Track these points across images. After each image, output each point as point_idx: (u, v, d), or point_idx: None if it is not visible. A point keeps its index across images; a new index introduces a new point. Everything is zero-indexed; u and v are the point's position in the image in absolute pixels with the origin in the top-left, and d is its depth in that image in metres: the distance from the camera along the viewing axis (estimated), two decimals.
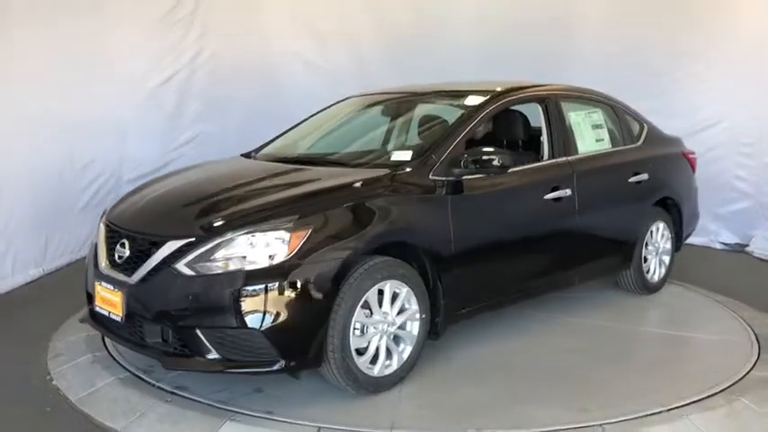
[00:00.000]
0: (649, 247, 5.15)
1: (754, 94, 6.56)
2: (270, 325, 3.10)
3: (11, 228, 5.41)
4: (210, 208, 3.50)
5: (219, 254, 3.16)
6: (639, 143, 5.15)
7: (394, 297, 3.47)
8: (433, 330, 3.71)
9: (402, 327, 3.53)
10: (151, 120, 6.88)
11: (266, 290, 3.09)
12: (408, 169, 3.72)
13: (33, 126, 5.58)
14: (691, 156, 5.59)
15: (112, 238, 3.59)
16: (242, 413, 3.23)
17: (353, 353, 3.31)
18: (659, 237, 5.21)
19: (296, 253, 3.15)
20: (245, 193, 3.65)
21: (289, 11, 7.32)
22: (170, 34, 6.95)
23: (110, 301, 3.45)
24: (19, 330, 4.46)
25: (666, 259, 5.32)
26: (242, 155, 4.56)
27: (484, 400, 3.45)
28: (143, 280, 3.29)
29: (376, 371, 3.43)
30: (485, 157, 3.68)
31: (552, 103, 4.51)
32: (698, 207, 5.75)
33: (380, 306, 3.42)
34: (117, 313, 3.40)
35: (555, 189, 4.27)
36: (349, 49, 7.42)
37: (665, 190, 5.21)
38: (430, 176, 3.69)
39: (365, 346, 3.39)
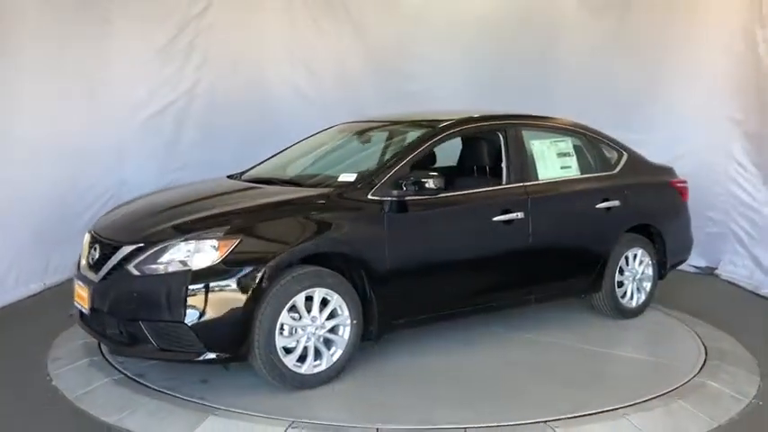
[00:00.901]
0: (626, 273, 5.24)
1: (720, 126, 6.95)
2: (196, 320, 3.55)
3: (15, 245, 5.76)
4: (166, 218, 3.95)
5: (164, 257, 3.64)
6: (615, 171, 5.29)
7: (325, 303, 3.83)
8: (367, 337, 4.07)
9: (334, 331, 3.89)
10: (150, 145, 7.22)
11: (195, 290, 3.56)
12: (349, 189, 4.11)
13: (38, 150, 5.95)
14: (679, 185, 5.67)
15: (91, 243, 4.09)
16: (223, 409, 3.55)
17: (280, 351, 3.69)
18: (637, 263, 5.29)
19: (224, 259, 3.59)
20: (200, 207, 4.10)
21: (283, 43, 7.66)
22: (169, 64, 7.30)
23: (81, 296, 3.97)
24: (21, 338, 4.79)
25: (647, 285, 5.39)
26: (228, 176, 4.94)
27: (404, 401, 3.76)
28: (104, 278, 3.81)
29: (303, 369, 3.79)
30: (421, 180, 4.06)
31: (512, 132, 4.78)
32: (690, 235, 5.81)
33: (310, 311, 3.79)
34: (85, 307, 3.91)
35: (506, 212, 4.52)
36: (340, 79, 7.77)
37: (641, 217, 5.31)
38: (369, 196, 4.06)
39: (293, 345, 3.76)
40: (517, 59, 7.54)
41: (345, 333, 3.92)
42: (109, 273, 3.79)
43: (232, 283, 3.58)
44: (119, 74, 6.91)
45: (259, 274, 3.61)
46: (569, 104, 6.91)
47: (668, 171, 5.74)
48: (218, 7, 7.39)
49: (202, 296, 3.56)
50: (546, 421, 3.49)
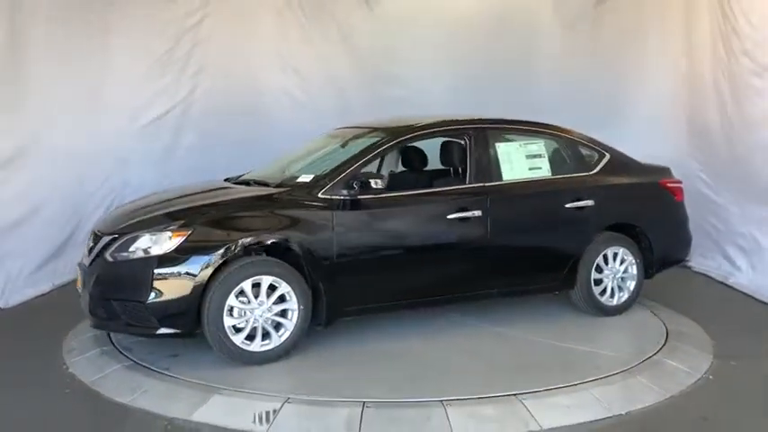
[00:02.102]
0: (605, 271, 5.32)
1: (685, 129, 7.41)
2: (152, 300, 4.14)
3: (26, 247, 6.14)
4: (142, 214, 4.58)
5: (132, 246, 4.24)
6: (593, 171, 5.41)
7: (274, 289, 4.31)
8: (318, 322, 4.52)
9: (284, 315, 4.36)
10: (151, 149, 7.56)
11: (153, 274, 4.15)
12: (304, 188, 4.60)
13: (46, 156, 6.32)
14: (671, 185, 5.68)
15: (91, 236, 4.70)
16: (227, 389, 3.95)
17: (228, 329, 4.21)
18: (617, 262, 5.35)
19: (176, 248, 4.16)
20: (173, 204, 4.67)
21: (275, 52, 7.99)
22: (168, 72, 7.62)
23: (79, 280, 4.62)
24: (36, 333, 5.16)
25: (631, 284, 5.42)
26: (225, 179, 5.33)
27: (343, 378, 4.15)
28: (90, 264, 4.44)
29: (252, 347, 4.29)
30: (367, 181, 4.52)
31: (476, 136, 5.07)
32: (686, 235, 5.80)
33: (258, 296, 4.27)
34: (79, 288, 4.55)
35: (462, 210, 4.83)
36: (330, 86, 8.06)
37: (620, 216, 5.39)
38: (320, 195, 4.52)
39: (243, 326, 4.26)
40: (499, 65, 7.87)
41: (293, 317, 4.38)
42: (94, 259, 4.41)
43: (183, 269, 4.16)
44: (120, 83, 7.25)
45: (207, 262, 4.16)
46: (545, 107, 7.30)
47: (661, 171, 5.78)
48: (213, 19, 7.69)
49: (158, 280, 4.15)
50: (515, 394, 3.88)
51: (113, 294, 4.30)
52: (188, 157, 7.74)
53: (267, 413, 3.70)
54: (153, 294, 4.14)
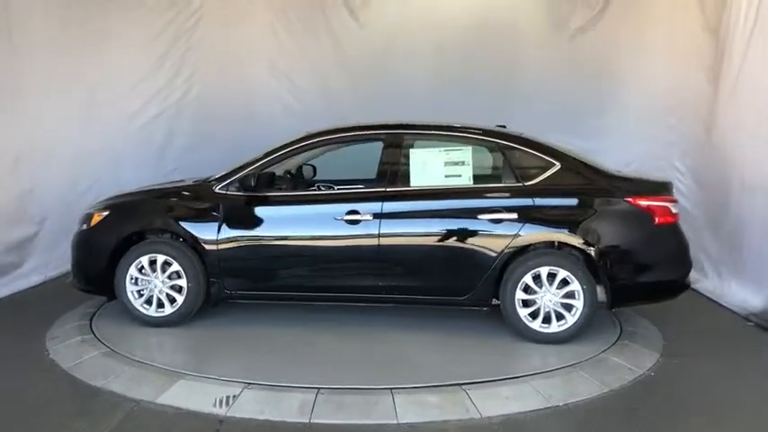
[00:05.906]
0: (538, 293, 4.80)
1: (664, 136, 7.60)
2: (79, 264, 5.36)
3: (21, 241, 6.51)
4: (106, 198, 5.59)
5: (85, 222, 5.31)
6: (529, 183, 4.90)
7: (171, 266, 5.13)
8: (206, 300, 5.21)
9: (179, 291, 5.12)
10: (144, 151, 7.89)
11: (82, 244, 5.33)
12: (209, 183, 5.24)
13: (43, 156, 6.67)
14: (645, 203, 4.82)
15: None
16: (193, 375, 4.25)
17: (131, 294, 5.16)
18: (554, 284, 4.77)
19: (95, 225, 5.23)
20: (125, 193, 5.63)
21: (267, 57, 8.27)
22: (161, 76, 7.97)
23: None
24: (23, 322, 5.47)
25: (576, 312, 4.77)
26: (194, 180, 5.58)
27: (302, 366, 4.47)
28: None
29: (150, 312, 5.17)
30: (247, 180, 5.06)
31: (389, 141, 5.11)
32: (670, 266, 5.02)
33: (155, 271, 5.13)
34: None
35: (352, 213, 4.92)
36: (319, 89, 8.32)
37: (550, 234, 4.84)
38: (216, 190, 5.19)
39: (144, 293, 5.14)
40: (484, 74, 8.08)
41: (184, 293, 5.12)
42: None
43: (96, 243, 5.23)
44: (115, 85, 7.59)
45: (115, 239, 5.15)
46: (528, 114, 7.55)
47: (642, 186, 5.00)
48: (206, 23, 8.05)
49: (86, 249, 5.30)
50: (461, 384, 4.15)
51: (72, 258, 5.39)
52: (181, 157, 8.05)
53: (228, 397, 3.97)
54: (79, 259, 5.32)
